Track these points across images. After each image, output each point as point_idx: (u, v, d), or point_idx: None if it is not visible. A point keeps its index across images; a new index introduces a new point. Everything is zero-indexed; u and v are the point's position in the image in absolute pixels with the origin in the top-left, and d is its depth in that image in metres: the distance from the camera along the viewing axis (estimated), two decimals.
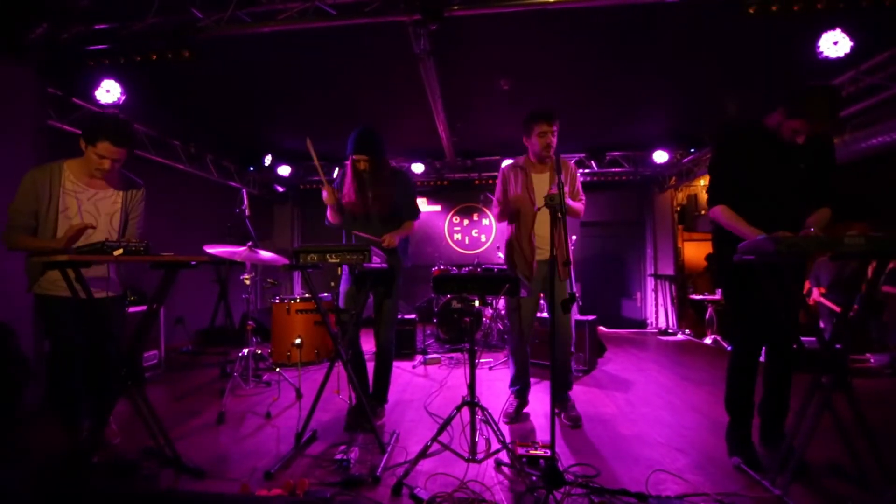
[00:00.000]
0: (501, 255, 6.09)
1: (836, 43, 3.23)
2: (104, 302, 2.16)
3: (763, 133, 2.06)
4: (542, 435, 2.53)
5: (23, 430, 2.69)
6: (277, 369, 3.48)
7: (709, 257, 6.77)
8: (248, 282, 3.54)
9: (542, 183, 2.75)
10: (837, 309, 4.37)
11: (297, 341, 2.93)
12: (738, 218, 2.01)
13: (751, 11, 2.79)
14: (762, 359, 2.15)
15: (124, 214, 2.27)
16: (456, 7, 2.99)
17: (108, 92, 3.77)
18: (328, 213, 2.74)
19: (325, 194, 2.66)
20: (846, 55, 3.26)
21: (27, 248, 2.07)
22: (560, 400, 2.77)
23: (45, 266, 2.02)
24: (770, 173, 2.03)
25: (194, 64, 3.30)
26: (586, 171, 6.88)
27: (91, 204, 2.17)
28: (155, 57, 3.20)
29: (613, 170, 6.97)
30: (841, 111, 1.91)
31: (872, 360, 4.18)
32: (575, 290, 2.62)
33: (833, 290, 4.54)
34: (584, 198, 2.81)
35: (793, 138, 1.94)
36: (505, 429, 2.61)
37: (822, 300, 4.56)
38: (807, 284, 4.67)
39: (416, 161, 6.87)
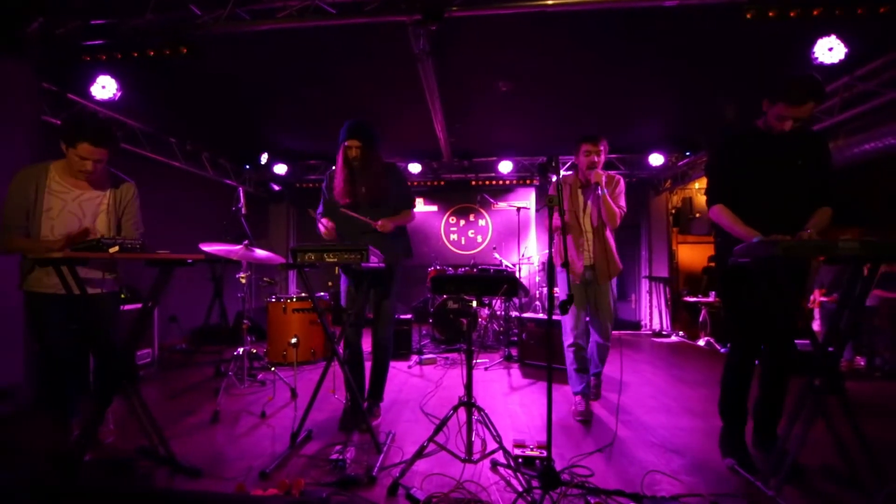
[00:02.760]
0: (497, 255, 6.15)
1: (830, 49, 3.27)
2: (97, 298, 2.14)
3: (757, 134, 2.09)
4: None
5: (13, 429, 2.66)
6: (273, 368, 3.46)
7: (712, 259, 6.82)
8: (243, 280, 3.52)
9: (584, 198, 3.03)
10: (833, 298, 4.49)
11: (293, 340, 2.91)
12: (735, 218, 2.03)
13: (748, 17, 2.82)
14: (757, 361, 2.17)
15: (114, 215, 2.22)
16: (456, 8, 3.00)
17: (104, 88, 3.72)
18: (321, 228, 2.70)
19: (322, 229, 2.69)
20: (840, 61, 3.30)
21: (22, 250, 2.05)
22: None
23: (38, 263, 2.00)
24: (768, 172, 2.05)
25: (191, 61, 3.28)
26: None
27: (76, 205, 2.14)
28: (152, 53, 3.18)
29: (609, 172, 6.96)
30: (821, 93, 1.97)
31: (862, 363, 4.24)
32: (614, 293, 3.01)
33: (832, 292, 4.62)
34: (624, 208, 2.95)
35: (781, 126, 1.98)
36: (501, 429, 2.61)
37: (824, 299, 4.62)
38: (815, 293, 4.75)
39: (413, 161, 6.87)
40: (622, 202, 2.94)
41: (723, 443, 2.19)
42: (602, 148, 2.94)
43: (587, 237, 2.96)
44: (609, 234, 2.97)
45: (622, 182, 3.00)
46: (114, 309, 2.31)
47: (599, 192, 2.84)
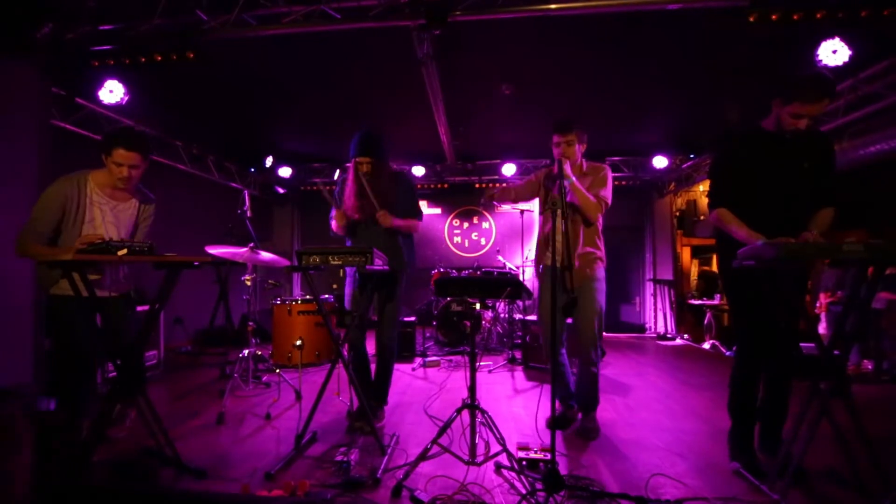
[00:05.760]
0: (501, 258, 6.15)
1: (834, 51, 3.26)
2: (108, 301, 2.17)
3: (764, 135, 2.08)
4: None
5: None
6: (277, 370, 3.48)
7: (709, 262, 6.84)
8: (249, 283, 3.54)
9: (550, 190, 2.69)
10: (837, 297, 4.49)
11: (298, 343, 2.92)
12: (738, 222, 2.03)
13: (751, 20, 2.82)
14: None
15: (136, 225, 2.33)
16: (459, 12, 3.02)
17: (112, 92, 3.78)
18: (333, 224, 2.77)
19: (333, 219, 2.73)
20: (844, 64, 3.29)
21: (36, 256, 2.06)
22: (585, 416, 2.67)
23: (48, 265, 2.03)
24: (774, 174, 2.04)
25: (198, 65, 3.31)
26: None
27: (113, 215, 2.23)
28: (160, 58, 3.21)
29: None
30: (834, 89, 1.96)
31: (869, 367, 4.22)
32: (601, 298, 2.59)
33: (836, 292, 4.61)
34: (607, 198, 2.61)
35: (796, 124, 1.97)
36: (505, 432, 2.61)
37: (831, 300, 4.61)
38: (821, 297, 4.73)
39: (416, 164, 6.90)
40: (604, 193, 2.57)
41: (731, 445, 2.19)
42: (574, 138, 2.55)
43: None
44: (583, 228, 2.62)
45: (608, 172, 2.63)
46: (126, 311, 2.34)
47: (566, 183, 2.35)
